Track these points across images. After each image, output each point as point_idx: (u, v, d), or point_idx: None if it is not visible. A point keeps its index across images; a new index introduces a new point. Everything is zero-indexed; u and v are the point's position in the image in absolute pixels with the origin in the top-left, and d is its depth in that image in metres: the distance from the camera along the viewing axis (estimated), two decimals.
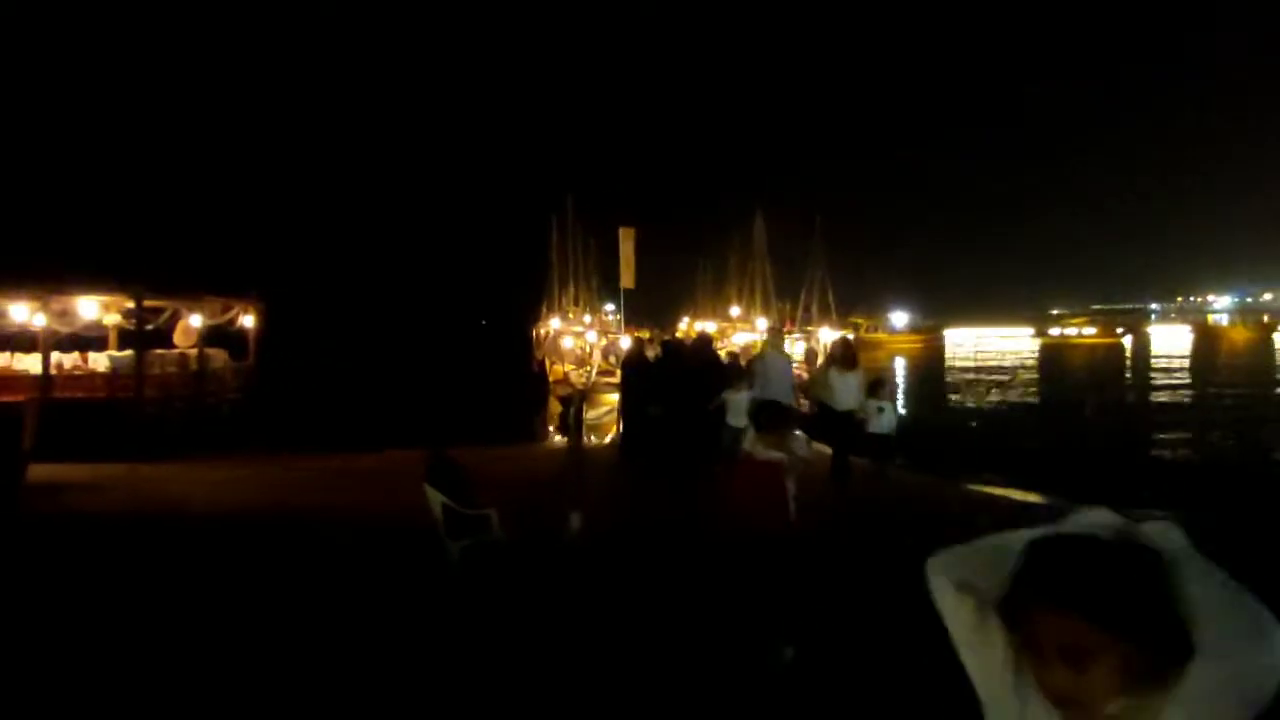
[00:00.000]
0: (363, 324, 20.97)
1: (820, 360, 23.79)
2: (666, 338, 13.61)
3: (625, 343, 20.17)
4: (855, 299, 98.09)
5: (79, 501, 8.53)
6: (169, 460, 12.17)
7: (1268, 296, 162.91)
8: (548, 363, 27.44)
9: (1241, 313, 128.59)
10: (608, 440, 15.68)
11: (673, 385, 10.08)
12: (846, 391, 9.05)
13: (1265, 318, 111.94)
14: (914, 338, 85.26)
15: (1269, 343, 77.77)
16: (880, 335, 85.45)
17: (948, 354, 71.35)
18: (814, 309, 59.67)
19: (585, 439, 15.36)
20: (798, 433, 4.80)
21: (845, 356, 9.40)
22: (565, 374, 24.38)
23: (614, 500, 8.86)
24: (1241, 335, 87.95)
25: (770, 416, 4.50)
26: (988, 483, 10.69)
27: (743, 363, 12.69)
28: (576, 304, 56.15)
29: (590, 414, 16.30)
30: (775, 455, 4.28)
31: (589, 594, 5.18)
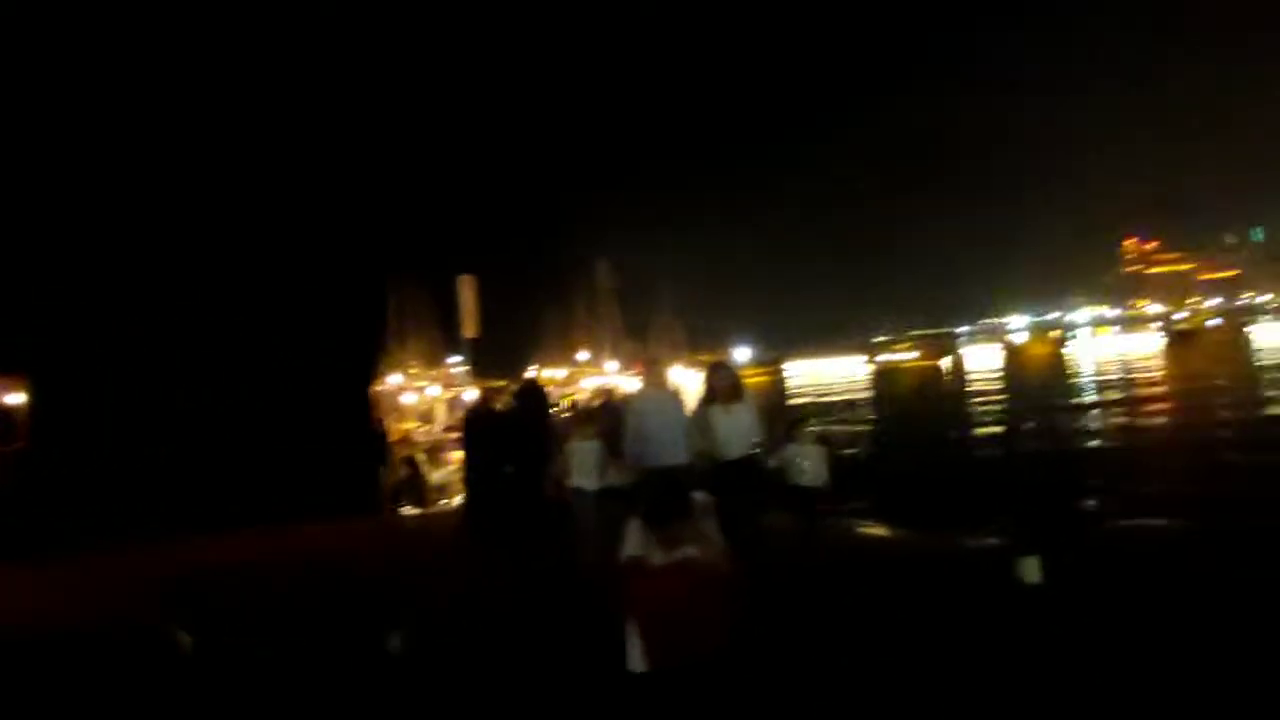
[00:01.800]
0: (165, 393, 18.24)
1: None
2: (522, 384, 11.25)
3: (472, 396, 18.75)
4: (702, 336, 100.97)
5: None
6: None
7: (1054, 315, 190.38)
8: (388, 422, 25.38)
9: (1037, 330, 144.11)
10: (456, 503, 14.20)
11: (525, 440, 8.10)
12: (735, 433, 6.77)
13: (1055, 334, 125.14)
14: (759, 370, 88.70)
15: (1060, 356, 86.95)
16: None
17: (791, 385, 74.11)
18: (664, 346, 60.04)
19: (429, 503, 13.82)
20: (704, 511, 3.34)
21: (727, 387, 6.93)
22: (408, 433, 22.57)
23: (458, 600, 6.49)
24: (1040, 351, 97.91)
25: (663, 501, 3.14)
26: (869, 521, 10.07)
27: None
28: (418, 358, 53.51)
29: (436, 474, 14.76)
30: (685, 554, 2.99)
31: None
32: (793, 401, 49.67)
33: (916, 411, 38.76)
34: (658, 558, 3.02)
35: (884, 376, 74.05)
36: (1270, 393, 27.13)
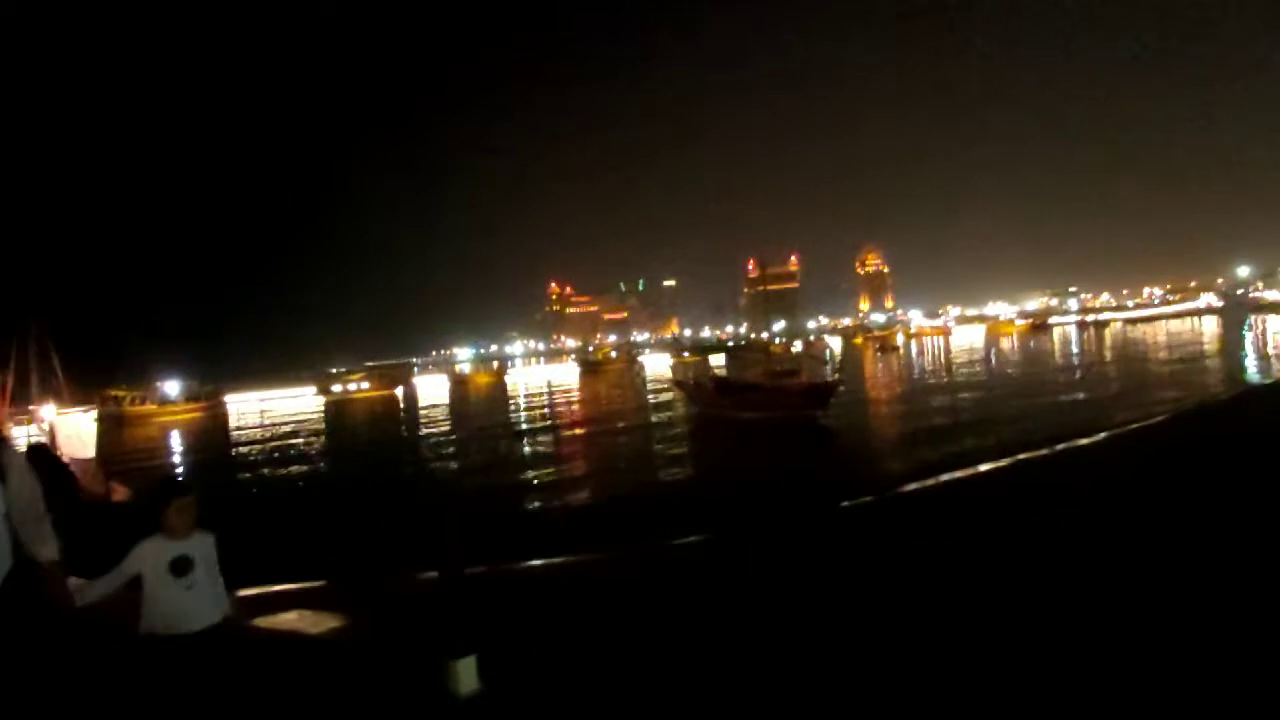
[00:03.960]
0: None
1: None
2: None
3: None
4: (114, 368, 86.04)
5: None
6: None
7: (495, 348, 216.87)
8: None
9: (480, 362, 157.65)
10: None
11: None
12: None
13: (496, 364, 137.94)
14: (192, 406, 78.43)
15: (503, 384, 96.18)
16: (150, 407, 76.43)
17: (233, 420, 66.85)
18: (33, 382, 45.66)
19: None
20: None
21: None
22: None
23: None
24: (484, 380, 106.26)
25: None
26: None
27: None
28: None
29: None
30: None
31: None
32: (240, 447, 44.80)
33: (367, 449, 38.38)
34: None
35: (336, 408, 71.98)
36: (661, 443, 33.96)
